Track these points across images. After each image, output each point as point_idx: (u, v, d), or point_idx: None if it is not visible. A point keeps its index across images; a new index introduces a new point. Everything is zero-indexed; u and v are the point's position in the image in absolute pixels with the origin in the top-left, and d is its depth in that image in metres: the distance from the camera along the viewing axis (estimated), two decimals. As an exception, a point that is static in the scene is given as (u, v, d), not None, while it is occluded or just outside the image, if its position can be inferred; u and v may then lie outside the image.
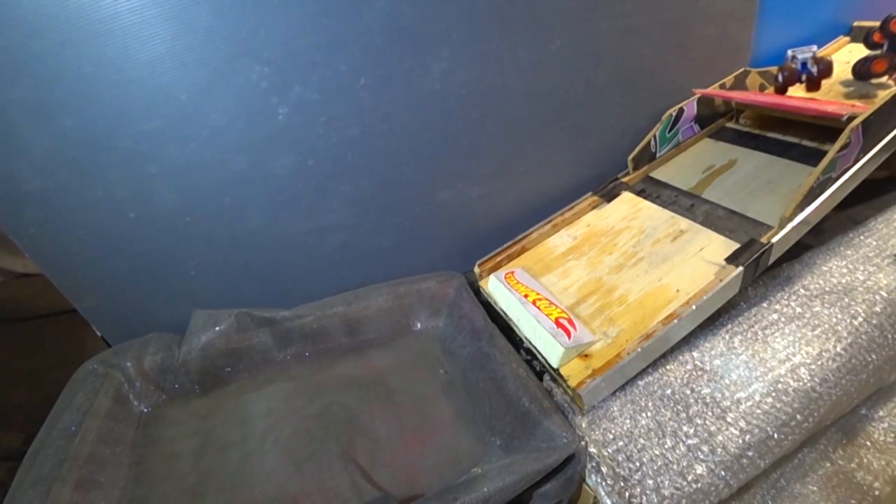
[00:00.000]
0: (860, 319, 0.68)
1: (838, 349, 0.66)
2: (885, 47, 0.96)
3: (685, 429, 0.61)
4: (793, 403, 0.62)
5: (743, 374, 0.65)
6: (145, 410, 0.74)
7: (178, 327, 0.78)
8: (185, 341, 0.76)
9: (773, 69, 0.99)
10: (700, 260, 0.73)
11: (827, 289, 0.74)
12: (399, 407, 0.72)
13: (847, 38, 1.09)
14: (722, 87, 0.98)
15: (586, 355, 0.67)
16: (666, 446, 0.60)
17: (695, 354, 0.69)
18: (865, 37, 1.02)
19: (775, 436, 0.60)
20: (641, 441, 0.60)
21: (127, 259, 0.75)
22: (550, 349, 0.68)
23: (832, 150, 0.69)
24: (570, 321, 0.69)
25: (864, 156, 0.73)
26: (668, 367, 0.68)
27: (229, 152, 0.71)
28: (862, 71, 0.94)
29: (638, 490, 0.57)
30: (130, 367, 0.73)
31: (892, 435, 0.75)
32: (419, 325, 0.86)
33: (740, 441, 0.59)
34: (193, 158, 0.70)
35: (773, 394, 0.62)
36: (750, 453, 0.59)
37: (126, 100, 0.64)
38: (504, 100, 0.81)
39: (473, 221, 0.90)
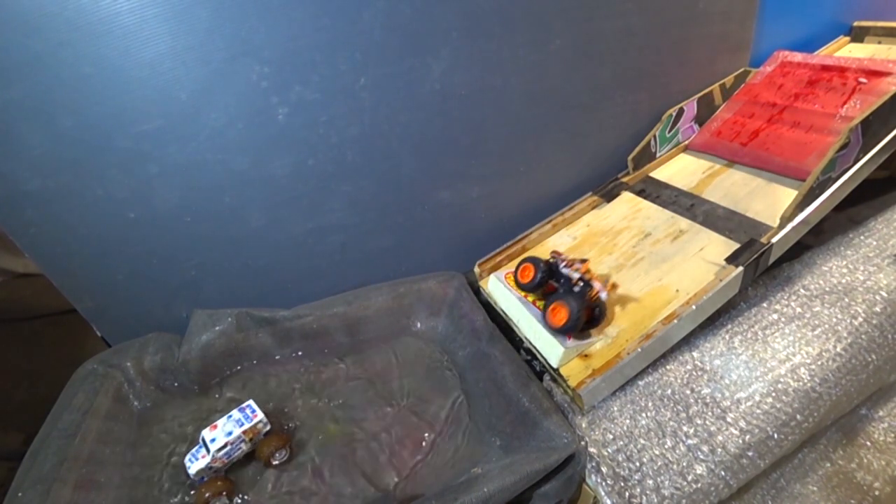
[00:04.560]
0: (860, 319, 0.68)
1: (838, 349, 0.66)
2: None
3: (685, 429, 0.61)
4: (793, 403, 0.62)
5: (743, 374, 0.65)
6: (145, 410, 0.74)
7: (178, 327, 0.78)
8: (185, 341, 0.76)
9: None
10: (700, 260, 0.73)
11: (827, 289, 0.74)
12: (399, 407, 0.72)
13: (847, 38, 1.09)
14: (722, 87, 0.98)
15: (586, 355, 0.67)
16: (666, 446, 0.60)
17: (695, 354, 0.69)
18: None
19: (775, 436, 0.60)
20: (641, 441, 0.60)
21: (127, 259, 0.75)
22: (550, 349, 0.68)
23: (831, 150, 0.69)
24: (570, 321, 0.69)
25: (863, 156, 0.73)
26: (668, 367, 0.68)
27: (229, 152, 0.71)
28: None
29: (638, 490, 0.57)
30: (130, 367, 0.73)
31: (892, 435, 0.75)
32: (419, 325, 0.85)
33: (740, 441, 0.59)
34: (193, 158, 0.69)
35: (773, 394, 0.62)
36: (750, 453, 0.59)
37: (126, 100, 0.64)
38: (504, 100, 0.80)
39: (473, 221, 0.90)
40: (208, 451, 0.61)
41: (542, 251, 0.88)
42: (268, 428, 0.65)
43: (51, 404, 0.68)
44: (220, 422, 0.64)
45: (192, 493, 0.61)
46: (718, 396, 0.63)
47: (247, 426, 0.63)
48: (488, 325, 0.76)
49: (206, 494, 0.59)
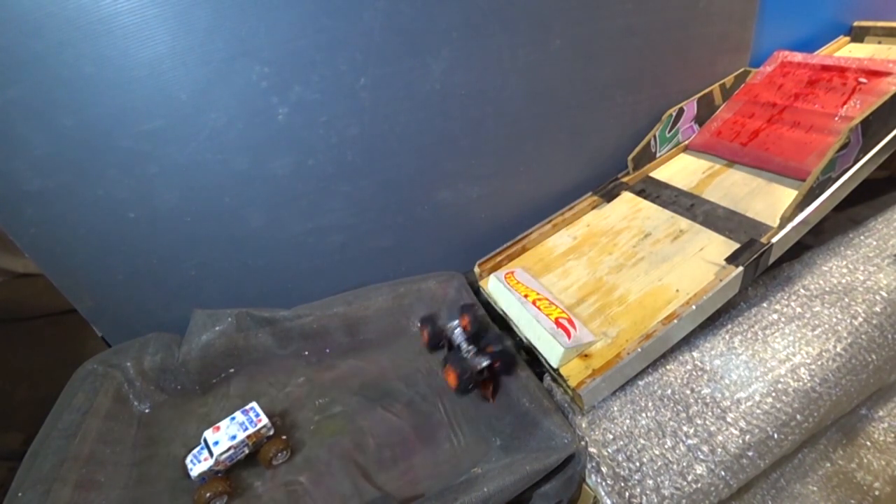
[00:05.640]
0: (860, 319, 0.68)
1: (838, 349, 0.66)
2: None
3: (685, 429, 0.61)
4: (793, 403, 0.62)
5: (743, 374, 0.65)
6: (145, 410, 0.74)
7: (178, 327, 0.78)
8: (185, 341, 0.76)
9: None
10: (700, 260, 0.73)
11: (827, 289, 0.73)
12: (399, 407, 0.72)
13: (847, 38, 1.09)
14: (722, 87, 0.98)
15: (586, 355, 0.67)
16: (666, 446, 0.60)
17: (695, 354, 0.69)
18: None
19: (775, 436, 0.60)
20: (641, 441, 0.60)
21: (127, 259, 0.75)
22: (550, 349, 0.68)
23: (831, 150, 0.69)
24: (570, 321, 0.69)
25: (863, 156, 0.73)
26: (668, 367, 0.68)
27: (229, 152, 0.71)
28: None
29: (638, 490, 0.57)
30: (130, 367, 0.73)
31: (892, 435, 0.75)
32: (419, 326, 0.85)
33: (740, 441, 0.59)
34: (193, 158, 0.70)
35: (773, 394, 0.62)
36: (750, 453, 0.59)
37: (126, 100, 0.64)
38: (504, 100, 0.80)
39: (473, 221, 0.90)
40: (211, 453, 0.61)
41: (542, 251, 0.88)
42: (271, 432, 0.65)
43: (51, 404, 0.68)
44: (223, 423, 0.64)
45: (193, 492, 0.61)
46: (718, 396, 0.63)
47: (251, 431, 0.63)
48: (488, 325, 0.76)
49: (207, 495, 0.59)
